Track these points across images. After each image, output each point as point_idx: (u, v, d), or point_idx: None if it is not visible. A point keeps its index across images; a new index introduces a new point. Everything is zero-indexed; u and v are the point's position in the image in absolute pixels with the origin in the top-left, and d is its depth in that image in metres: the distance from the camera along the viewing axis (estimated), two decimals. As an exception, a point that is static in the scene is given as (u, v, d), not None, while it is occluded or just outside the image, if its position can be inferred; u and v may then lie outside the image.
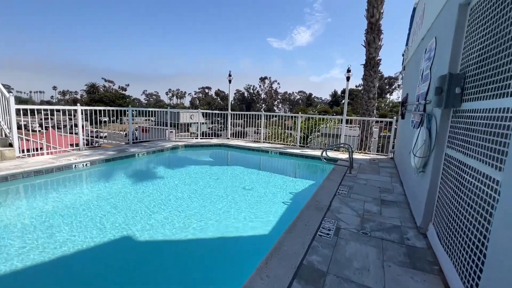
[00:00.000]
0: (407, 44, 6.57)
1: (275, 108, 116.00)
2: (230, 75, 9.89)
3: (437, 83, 2.26)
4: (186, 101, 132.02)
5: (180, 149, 8.26)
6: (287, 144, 9.21)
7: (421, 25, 4.60)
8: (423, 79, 3.58)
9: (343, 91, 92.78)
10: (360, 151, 8.05)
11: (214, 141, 9.39)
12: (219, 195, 4.80)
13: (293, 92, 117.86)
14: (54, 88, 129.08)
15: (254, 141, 9.80)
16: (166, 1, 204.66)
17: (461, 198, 1.86)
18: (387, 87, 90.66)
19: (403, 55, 6.88)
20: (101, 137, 13.04)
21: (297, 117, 8.85)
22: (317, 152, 7.50)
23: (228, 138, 10.31)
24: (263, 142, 9.57)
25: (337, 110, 73.52)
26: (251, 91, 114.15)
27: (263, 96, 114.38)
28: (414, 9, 5.88)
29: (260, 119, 9.51)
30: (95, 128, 8.40)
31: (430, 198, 2.63)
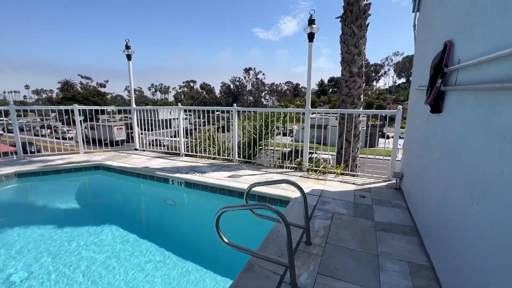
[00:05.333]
0: None
1: (262, 100, 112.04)
2: (128, 47, 6.03)
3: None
4: (170, 96, 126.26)
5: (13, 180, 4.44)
6: (221, 159, 5.52)
7: None
8: None
9: (330, 80, 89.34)
10: (337, 172, 4.45)
11: (82, 160, 5.60)
12: None
13: (280, 83, 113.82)
14: (27, 87, 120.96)
15: (172, 153, 6.06)
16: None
17: None
18: (373, 74, 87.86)
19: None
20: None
21: (231, 111, 5.12)
22: (264, 177, 3.86)
23: (137, 149, 6.53)
24: (184, 155, 5.84)
25: (324, 100, 70.32)
26: (237, 83, 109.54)
27: (249, 87, 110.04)
28: None
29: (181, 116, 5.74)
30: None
31: None
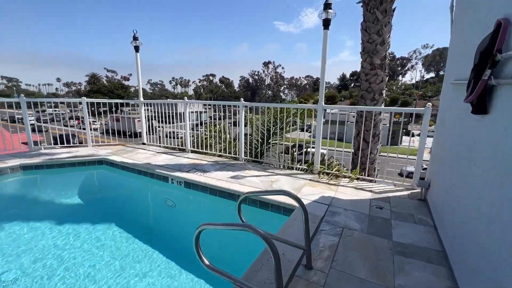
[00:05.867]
0: None
1: (281, 94, 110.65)
2: (135, 38, 5.83)
3: None
4: (190, 90, 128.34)
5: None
6: (227, 157, 5.21)
7: None
8: None
9: (353, 74, 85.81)
10: (352, 176, 3.98)
11: (87, 154, 5.51)
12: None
13: (300, 77, 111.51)
14: (58, 80, 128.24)
15: (178, 149, 5.86)
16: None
17: None
18: (399, 68, 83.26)
19: None
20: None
21: (238, 107, 4.77)
22: (270, 180, 3.51)
23: (144, 144, 6.41)
24: (190, 151, 5.61)
25: (344, 95, 67.90)
26: (256, 77, 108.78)
27: (268, 81, 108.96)
28: None
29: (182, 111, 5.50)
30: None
31: None
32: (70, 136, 7.89)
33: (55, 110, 6.97)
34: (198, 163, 4.72)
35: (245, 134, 5.09)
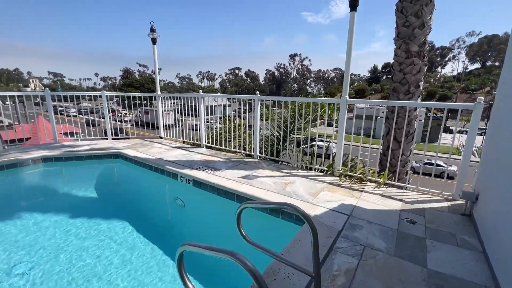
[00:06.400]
0: None
1: (307, 87, 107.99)
2: (153, 30, 5.71)
3: None
4: (216, 83, 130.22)
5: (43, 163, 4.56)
6: (242, 154, 4.93)
7: None
8: None
9: (385, 66, 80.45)
10: (379, 181, 3.47)
11: (104, 147, 5.53)
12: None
13: (327, 70, 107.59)
14: (96, 74, 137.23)
15: (194, 144, 5.70)
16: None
17: None
18: (438, 59, 76.36)
19: None
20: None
21: (253, 100, 4.43)
22: (284, 182, 3.17)
23: (161, 137, 6.36)
24: (205, 146, 5.42)
25: (376, 88, 64.21)
26: (281, 70, 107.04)
27: (294, 74, 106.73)
28: None
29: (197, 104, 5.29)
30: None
31: None
32: (118, 129, 7.79)
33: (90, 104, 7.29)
34: (210, 160, 4.50)
35: (261, 130, 4.74)
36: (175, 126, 6.45)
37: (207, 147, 5.43)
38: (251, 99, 4.52)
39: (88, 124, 7.87)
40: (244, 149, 4.92)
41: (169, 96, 6.08)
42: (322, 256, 1.98)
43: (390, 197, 3.08)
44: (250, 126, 5.24)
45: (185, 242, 1.41)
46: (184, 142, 5.89)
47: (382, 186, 3.40)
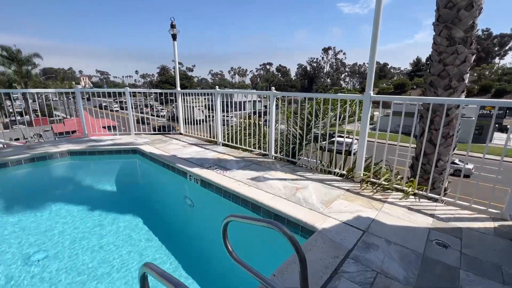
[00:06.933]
0: None
1: (341, 82, 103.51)
2: (173, 26, 5.70)
3: None
4: (247, 79, 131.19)
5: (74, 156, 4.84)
6: (257, 154, 4.70)
7: None
8: None
9: (429, 58, 73.13)
10: (406, 190, 2.99)
11: (124, 142, 5.66)
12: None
13: (363, 63, 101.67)
14: (136, 72, 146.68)
15: (211, 141, 5.61)
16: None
17: None
18: (496, 48, 67.34)
19: None
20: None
21: (269, 96, 4.14)
22: (295, 186, 2.89)
23: (181, 134, 6.39)
24: (221, 144, 5.29)
25: (418, 82, 59.06)
26: (314, 64, 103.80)
27: (327, 69, 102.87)
28: None
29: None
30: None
31: None
32: (166, 127, 7.91)
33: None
34: (223, 159, 4.35)
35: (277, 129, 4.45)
36: (205, 122, 6.49)
37: (223, 144, 5.30)
38: (266, 95, 4.24)
39: (138, 122, 8.15)
40: (259, 148, 4.68)
41: (187, 93, 6.05)
42: (322, 281, 1.68)
43: (418, 211, 2.62)
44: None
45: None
46: (201, 138, 5.84)
47: (410, 196, 2.92)
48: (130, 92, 6.05)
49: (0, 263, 2.95)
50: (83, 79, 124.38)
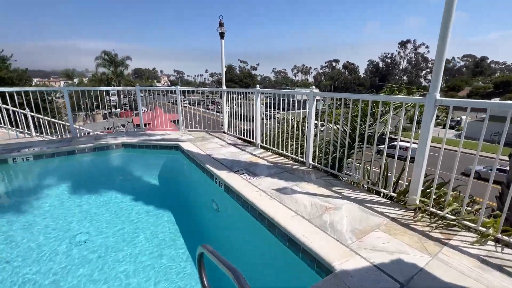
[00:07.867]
0: None
1: (421, 79, 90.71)
2: (221, 24, 5.69)
3: None
4: (310, 77, 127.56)
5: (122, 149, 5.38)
6: (293, 160, 4.25)
7: None
8: None
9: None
10: (483, 231, 2.13)
11: (170, 138, 5.86)
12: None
13: (453, 58, 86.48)
14: (206, 71, 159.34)
15: (249, 141, 5.41)
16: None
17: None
18: None
19: None
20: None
21: (308, 98, 3.63)
22: (325, 205, 2.44)
23: (225, 132, 6.39)
24: (259, 146, 5.03)
25: (532, 80, 46.97)
26: (388, 60, 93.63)
27: (404, 65, 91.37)
28: None
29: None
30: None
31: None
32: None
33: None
34: (255, 162, 4.08)
35: (316, 135, 3.91)
36: (266, 119, 6.40)
37: (262, 147, 5.02)
38: (306, 96, 3.75)
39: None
40: (296, 154, 4.22)
41: (232, 91, 5.97)
42: None
43: (499, 267, 1.81)
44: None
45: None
46: (241, 139, 5.70)
47: (489, 242, 2.08)
48: (180, 91, 6.34)
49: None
50: (163, 77, 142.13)
